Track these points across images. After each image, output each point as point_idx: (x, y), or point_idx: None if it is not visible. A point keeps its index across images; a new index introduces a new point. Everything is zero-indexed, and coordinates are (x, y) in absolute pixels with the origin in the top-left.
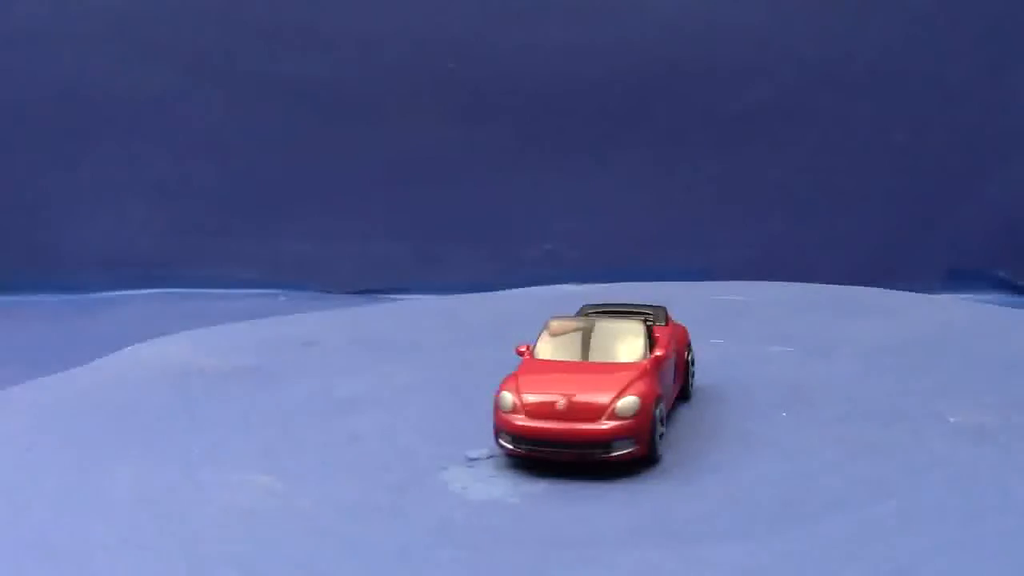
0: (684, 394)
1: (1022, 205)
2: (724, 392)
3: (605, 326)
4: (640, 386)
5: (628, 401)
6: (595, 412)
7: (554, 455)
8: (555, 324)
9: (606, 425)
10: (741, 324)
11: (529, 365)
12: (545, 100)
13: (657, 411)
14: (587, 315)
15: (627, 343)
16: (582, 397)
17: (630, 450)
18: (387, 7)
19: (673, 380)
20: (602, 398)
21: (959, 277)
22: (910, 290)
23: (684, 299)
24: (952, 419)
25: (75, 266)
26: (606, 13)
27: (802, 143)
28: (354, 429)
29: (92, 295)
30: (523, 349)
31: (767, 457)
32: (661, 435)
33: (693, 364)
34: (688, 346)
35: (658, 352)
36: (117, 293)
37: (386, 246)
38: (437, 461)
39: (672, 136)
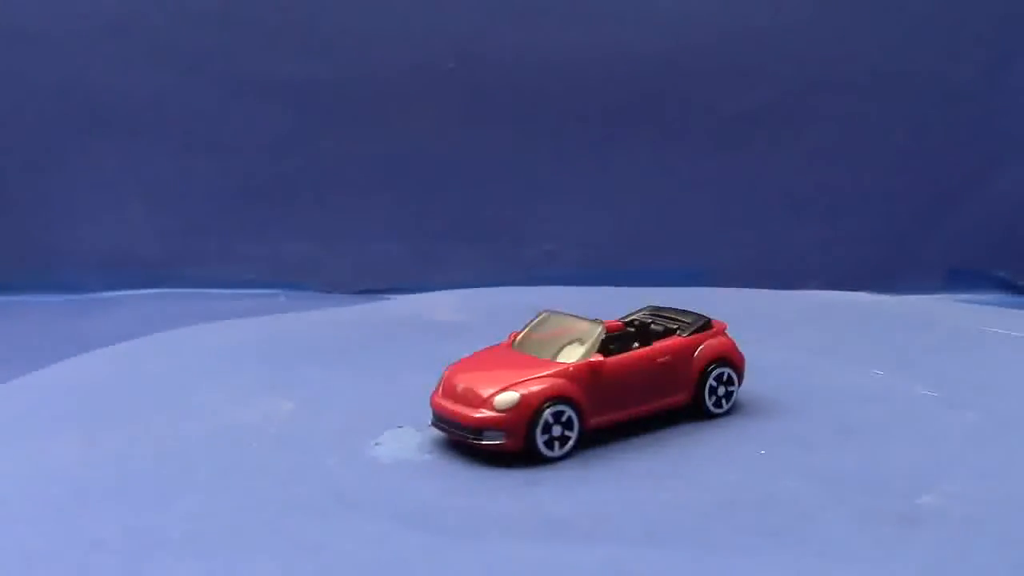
0: (701, 409)
1: (1022, 205)
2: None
3: (566, 326)
4: (534, 385)
5: (506, 396)
6: (477, 401)
7: (447, 433)
8: (538, 319)
9: (478, 414)
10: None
11: (483, 351)
12: (545, 100)
13: (547, 411)
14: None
15: (571, 345)
16: (475, 385)
17: (500, 442)
18: (387, 7)
19: (660, 391)
20: (487, 390)
21: (959, 277)
22: (910, 290)
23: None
24: None
25: (75, 266)
26: (606, 13)
27: (802, 143)
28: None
29: (92, 295)
30: (512, 336)
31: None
32: (560, 437)
33: (729, 383)
34: (719, 361)
35: (595, 358)
36: (117, 293)
37: (386, 246)
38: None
39: (672, 136)
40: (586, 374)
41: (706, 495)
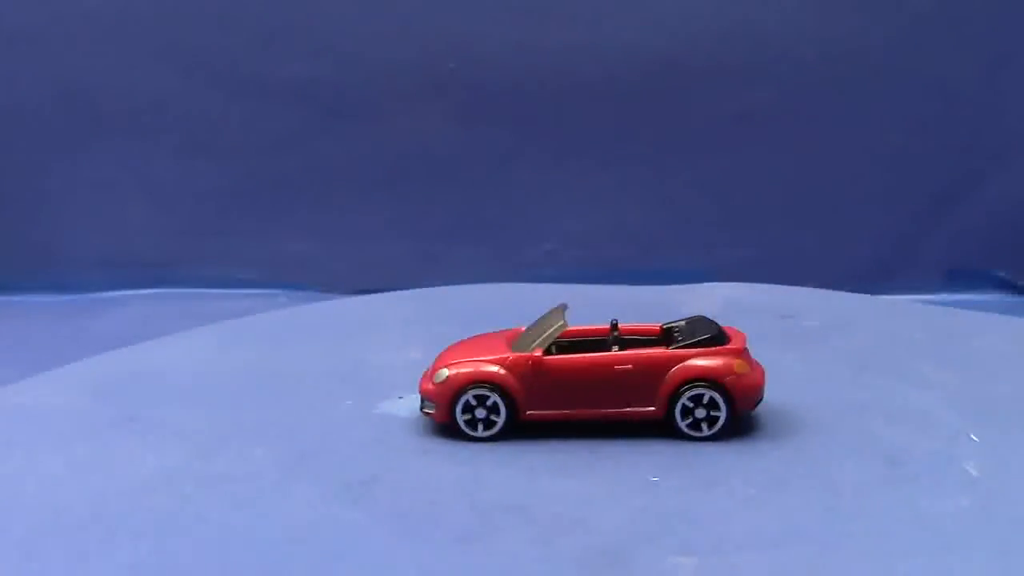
0: (672, 425)
1: (1022, 205)
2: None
3: (552, 320)
4: (467, 367)
5: (441, 373)
6: (430, 373)
7: None
8: (548, 312)
9: (425, 385)
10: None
11: (481, 336)
12: (545, 100)
13: (469, 393)
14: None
15: (533, 340)
16: (440, 360)
17: (431, 412)
18: (387, 7)
19: (619, 400)
20: (439, 365)
21: (959, 277)
22: (910, 290)
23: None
24: None
25: (75, 266)
26: (606, 13)
27: (802, 143)
28: None
29: (92, 295)
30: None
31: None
32: (485, 420)
33: (713, 407)
34: (701, 382)
35: (536, 353)
36: (117, 293)
37: (386, 246)
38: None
39: (672, 136)
40: (525, 366)
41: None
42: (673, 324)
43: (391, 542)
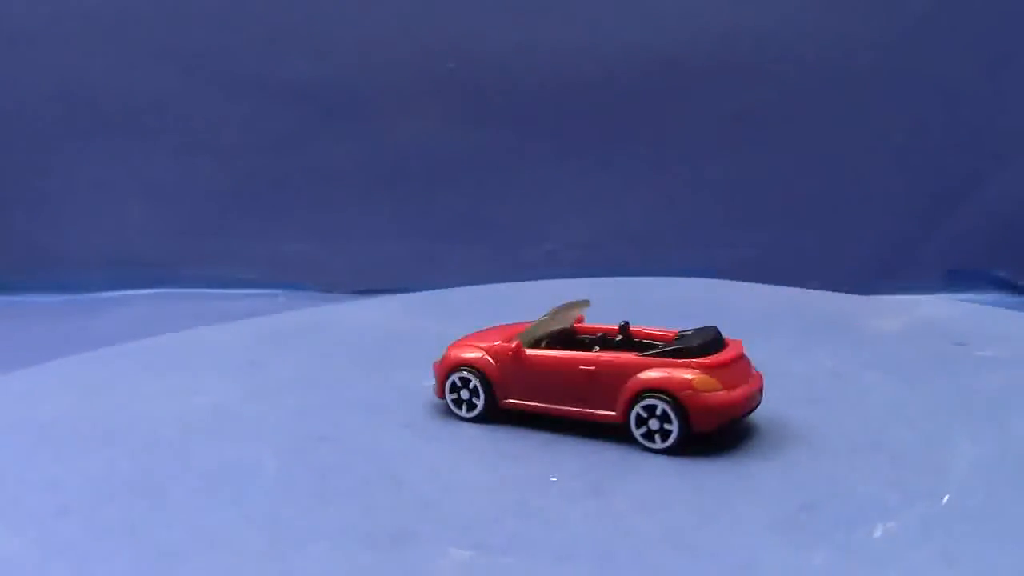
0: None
1: (1022, 205)
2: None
3: (556, 316)
4: (464, 351)
5: (442, 352)
6: (441, 353)
7: None
8: (562, 309)
9: (433, 362)
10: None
11: (504, 325)
12: (545, 100)
13: (456, 374)
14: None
15: (532, 331)
16: (456, 342)
17: (432, 385)
18: (387, 7)
19: (583, 400)
20: (451, 346)
21: (959, 277)
22: (910, 290)
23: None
24: None
25: (75, 266)
26: (606, 13)
27: (802, 143)
28: None
29: (92, 295)
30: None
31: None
32: (466, 400)
33: (665, 419)
34: (655, 393)
35: (514, 344)
36: (117, 293)
37: (386, 246)
38: None
39: (672, 136)
40: (505, 356)
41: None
42: (686, 331)
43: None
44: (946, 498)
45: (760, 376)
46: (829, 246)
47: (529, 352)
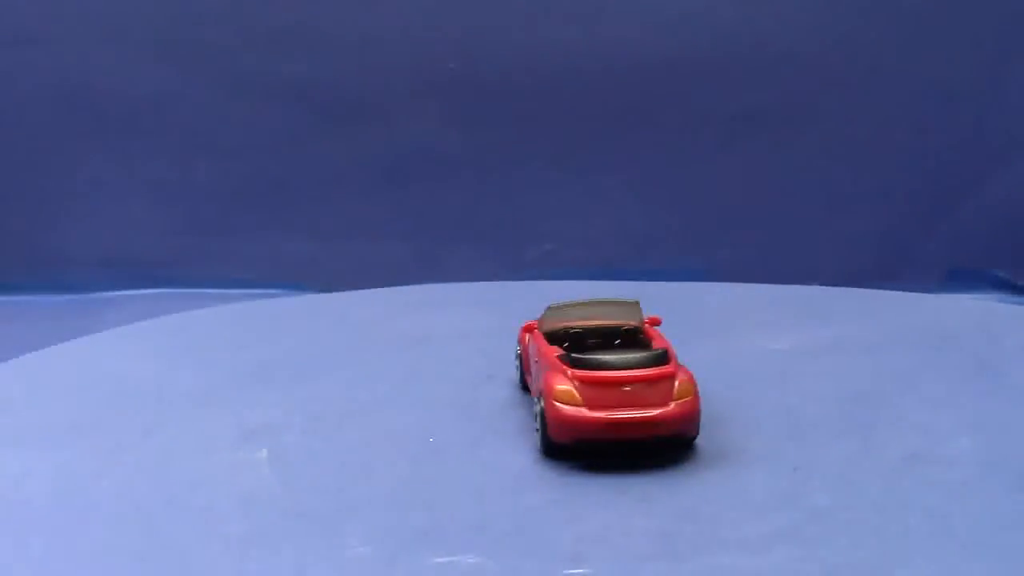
0: None
1: (1022, 205)
2: None
3: (599, 308)
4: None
5: None
6: None
7: None
8: (610, 303)
9: None
10: None
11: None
12: (545, 100)
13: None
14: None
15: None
16: None
17: None
18: (387, 7)
19: (537, 389)
20: None
21: (959, 277)
22: (910, 290)
23: None
24: None
25: (75, 266)
26: (606, 12)
27: (802, 143)
28: None
29: (92, 295)
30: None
31: None
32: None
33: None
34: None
35: (531, 323)
36: (117, 293)
37: (386, 246)
38: None
39: (672, 136)
40: (528, 335)
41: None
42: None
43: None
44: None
45: (682, 407)
46: (829, 246)
47: (531, 337)
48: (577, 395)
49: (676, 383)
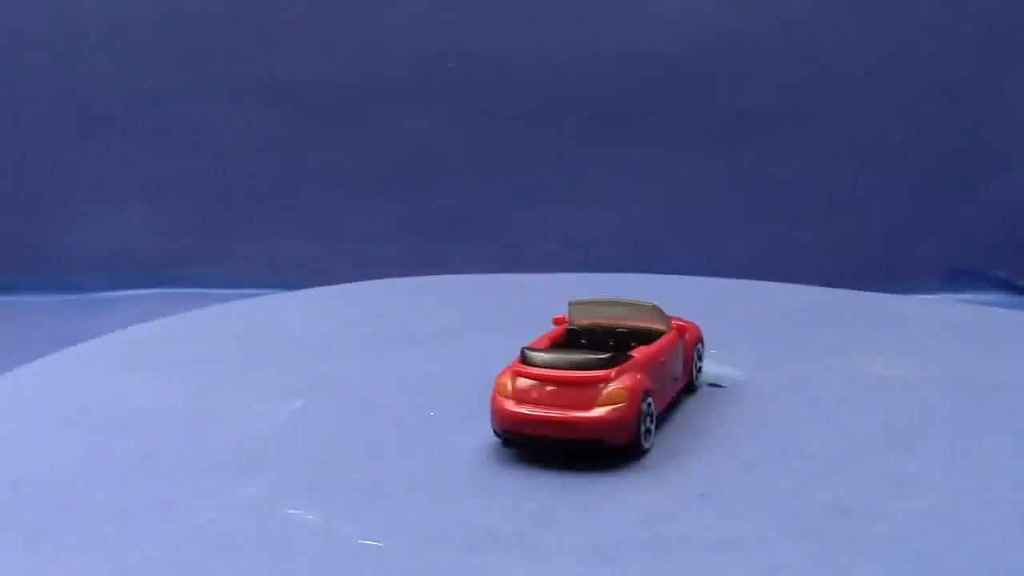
0: None
1: (1022, 205)
2: None
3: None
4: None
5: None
6: None
7: None
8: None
9: None
10: None
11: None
12: (545, 100)
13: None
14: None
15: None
16: None
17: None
18: (387, 7)
19: None
20: None
21: (959, 277)
22: (910, 290)
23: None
24: None
25: (75, 266)
26: (606, 13)
27: (802, 143)
28: None
29: (92, 295)
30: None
31: None
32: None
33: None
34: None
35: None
36: (117, 293)
37: (386, 246)
38: None
39: (672, 136)
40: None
41: None
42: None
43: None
44: None
45: (605, 414)
46: (829, 246)
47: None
48: (509, 388)
49: (605, 390)
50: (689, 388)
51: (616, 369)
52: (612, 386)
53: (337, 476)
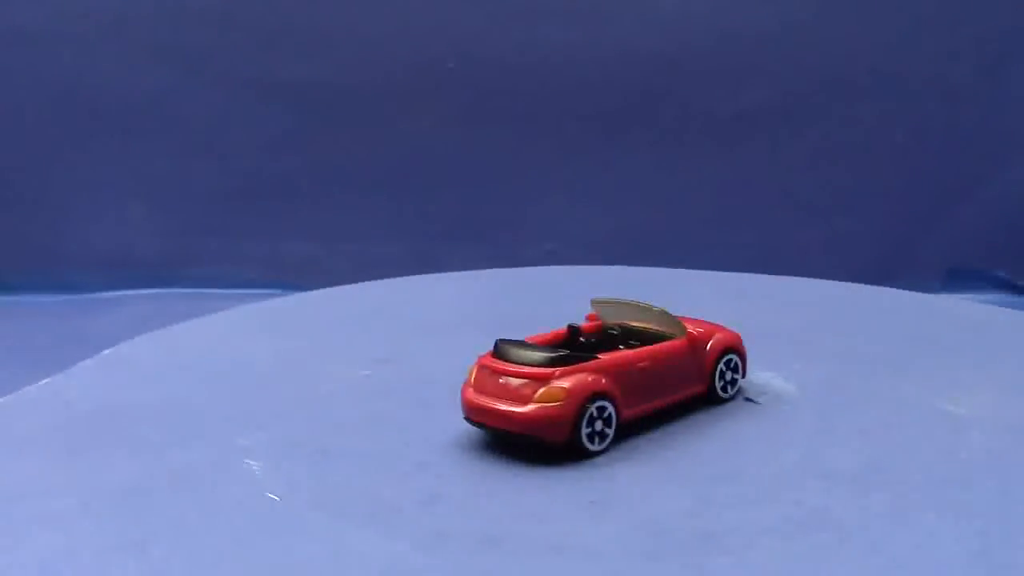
0: None
1: (1022, 205)
2: None
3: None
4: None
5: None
6: None
7: None
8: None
9: None
10: None
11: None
12: (545, 100)
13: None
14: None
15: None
16: None
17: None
18: (387, 7)
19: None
20: None
21: (959, 277)
22: (910, 290)
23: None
24: None
25: (75, 266)
26: (606, 13)
27: (802, 143)
28: None
29: (92, 295)
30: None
31: None
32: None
33: None
34: None
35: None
36: (117, 293)
37: (386, 246)
38: None
39: (672, 136)
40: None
41: None
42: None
43: None
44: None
45: (538, 411)
46: (829, 246)
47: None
48: (472, 376)
49: (543, 388)
50: (712, 399)
51: (561, 369)
52: (552, 385)
53: (337, 441)
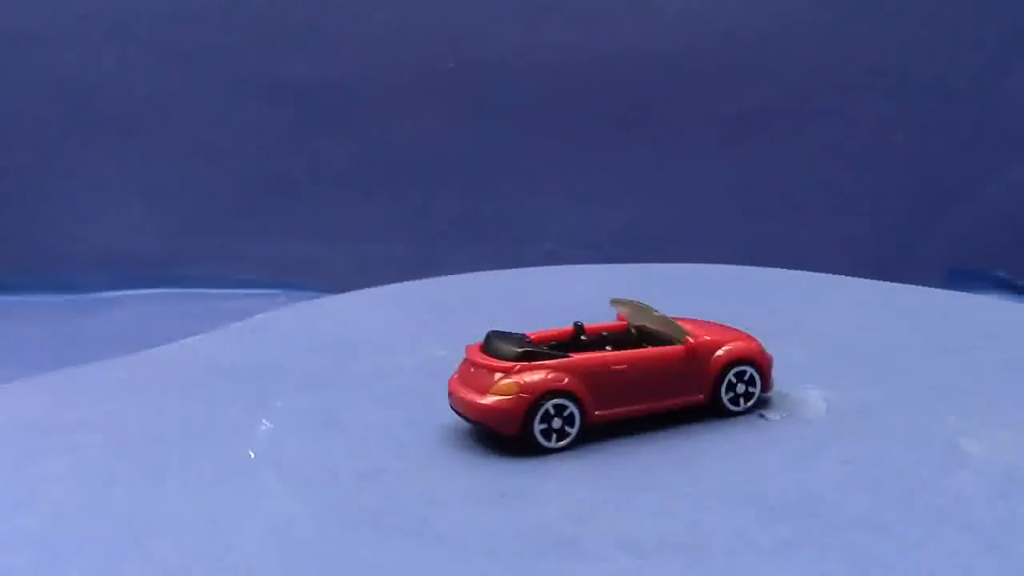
0: None
1: (1022, 205)
2: None
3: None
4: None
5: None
6: None
7: None
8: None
9: None
10: None
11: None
12: (545, 100)
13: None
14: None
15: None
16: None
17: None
18: (387, 7)
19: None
20: None
21: (959, 277)
22: None
23: None
24: None
25: (75, 266)
26: (606, 13)
27: (802, 143)
28: None
29: (92, 295)
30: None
31: None
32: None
33: None
34: None
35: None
36: (117, 293)
37: (386, 246)
38: None
39: (672, 136)
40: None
41: None
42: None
43: None
44: None
45: (491, 402)
46: (829, 246)
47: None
48: (460, 365)
49: (501, 381)
50: (720, 411)
51: (522, 364)
52: (510, 378)
53: (351, 414)
